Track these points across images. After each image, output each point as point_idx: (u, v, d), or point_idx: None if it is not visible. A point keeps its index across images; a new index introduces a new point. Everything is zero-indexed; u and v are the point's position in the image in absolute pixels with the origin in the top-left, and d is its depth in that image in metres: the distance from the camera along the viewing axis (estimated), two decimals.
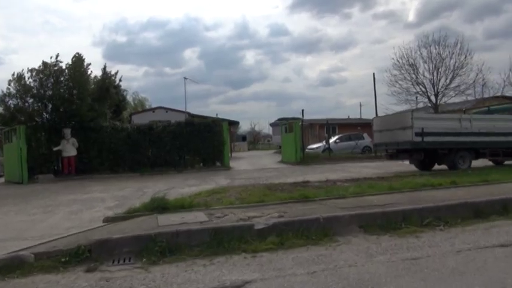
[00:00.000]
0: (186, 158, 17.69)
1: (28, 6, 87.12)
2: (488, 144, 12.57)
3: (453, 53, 23.11)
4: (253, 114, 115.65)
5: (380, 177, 10.89)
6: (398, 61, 24.26)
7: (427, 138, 11.76)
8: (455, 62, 23.31)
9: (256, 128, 70.64)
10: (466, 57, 23.31)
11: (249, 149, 54.74)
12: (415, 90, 24.09)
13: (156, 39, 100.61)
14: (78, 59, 15.72)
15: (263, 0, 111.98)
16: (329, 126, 22.19)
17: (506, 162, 14.03)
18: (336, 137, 25.55)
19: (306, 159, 19.45)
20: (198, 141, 17.47)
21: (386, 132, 13.08)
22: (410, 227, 5.58)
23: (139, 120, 19.51)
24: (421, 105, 24.76)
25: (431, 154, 12.44)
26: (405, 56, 24.42)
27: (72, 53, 17.32)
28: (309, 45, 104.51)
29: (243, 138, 58.89)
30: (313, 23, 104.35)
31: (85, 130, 16.07)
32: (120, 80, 18.65)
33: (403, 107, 24.91)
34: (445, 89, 23.56)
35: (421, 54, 23.94)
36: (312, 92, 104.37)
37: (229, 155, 33.34)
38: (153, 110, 25.84)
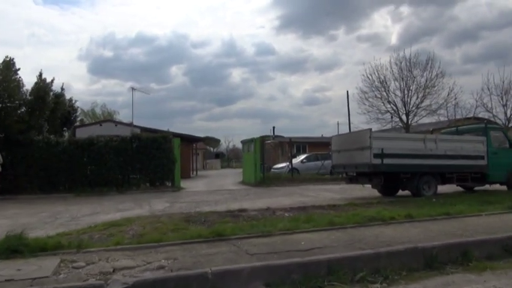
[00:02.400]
0: (132, 177, 15.88)
1: (12, 18, 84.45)
2: (455, 168, 11.28)
3: (425, 70, 22.30)
4: (238, 131, 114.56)
5: (332, 205, 9.44)
6: (368, 78, 23.31)
7: (387, 161, 10.39)
8: (426, 81, 22.49)
9: (230, 146, 69.10)
10: (437, 76, 22.54)
11: (222, 167, 52.99)
12: (385, 109, 23.08)
13: (143, 55, 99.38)
14: (6, 63, 13.92)
15: (250, 20, 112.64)
16: (292, 145, 20.69)
17: (476, 188, 12.83)
18: (303, 156, 24.16)
19: (266, 180, 17.91)
20: (145, 159, 15.73)
21: (345, 153, 11.69)
22: (336, 285, 4.06)
23: (83, 134, 17.61)
24: (389, 126, 23.71)
25: (393, 178, 11.07)
26: (376, 73, 23.52)
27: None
28: (294, 65, 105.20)
29: (216, 155, 57.13)
30: (299, 43, 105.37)
31: (12, 144, 14.14)
32: (62, 89, 16.87)
33: (374, 127, 23.86)
34: (416, 108, 22.62)
35: (392, 71, 23.05)
36: (297, 111, 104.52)
37: (194, 173, 31.87)
38: (100, 123, 23.92)
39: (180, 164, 16.96)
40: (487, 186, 12.86)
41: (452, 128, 13.52)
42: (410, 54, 23.31)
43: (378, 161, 10.31)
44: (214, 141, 68.45)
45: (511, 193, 10.79)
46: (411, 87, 23.04)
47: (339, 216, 7.06)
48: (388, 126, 24.11)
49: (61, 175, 14.90)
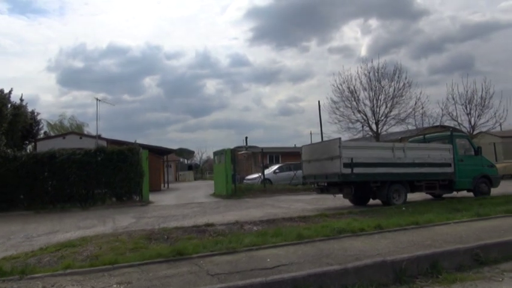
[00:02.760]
0: (97, 192, 15.16)
1: None
2: (423, 175, 11.36)
3: (392, 80, 22.72)
4: (212, 143, 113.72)
5: (303, 216, 9.22)
6: (338, 88, 23.52)
7: (357, 170, 10.32)
8: (394, 91, 22.91)
9: (204, 157, 68.28)
10: (404, 85, 23.01)
11: (195, 179, 52.13)
12: (355, 118, 23.30)
13: (115, 66, 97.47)
14: None
15: (224, 31, 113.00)
16: (265, 155, 20.47)
17: (445, 196, 12.98)
18: (276, 166, 23.97)
19: (238, 192, 17.56)
20: (111, 172, 15.06)
21: (315, 163, 11.56)
22: None
23: (46, 147, 16.75)
24: (360, 135, 23.96)
25: (363, 188, 11.00)
26: (346, 83, 23.76)
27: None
28: (268, 76, 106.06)
29: (189, 167, 56.23)
30: (273, 54, 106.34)
31: None
32: (21, 100, 16.00)
33: (345, 136, 24.05)
34: (385, 117, 22.96)
35: (361, 81, 23.37)
36: (271, 121, 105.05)
37: (165, 185, 31.09)
38: (63, 135, 22.92)
39: (148, 176, 16.38)
40: (454, 193, 13.05)
41: (420, 136, 13.69)
42: (378, 65, 23.77)
43: (347, 171, 10.22)
44: (188, 153, 67.44)
45: (478, 200, 10.89)
46: (380, 97, 23.40)
47: (309, 229, 6.84)
48: (359, 135, 24.35)
49: (19, 191, 14.06)
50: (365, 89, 23.36)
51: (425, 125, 25.94)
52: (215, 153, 20.29)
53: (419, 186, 11.43)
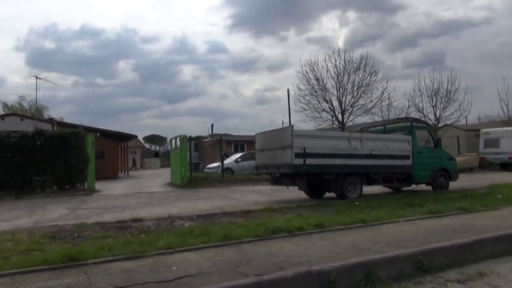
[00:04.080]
0: (35, 179, 13.87)
1: None
2: (380, 168, 10.79)
3: (358, 69, 22.24)
4: (188, 130, 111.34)
5: (247, 211, 8.46)
6: (305, 74, 22.84)
7: (309, 161, 9.60)
8: (361, 80, 22.47)
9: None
10: (370, 74, 22.60)
11: (162, 166, 50.63)
12: (321, 107, 22.75)
13: (89, 48, 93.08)
14: None
15: (203, 17, 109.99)
16: (231, 144, 19.56)
17: (404, 188, 12.52)
18: (238, 155, 23.12)
19: (194, 181, 16.62)
20: (51, 158, 13.78)
21: (268, 152, 10.77)
22: None
23: None
24: (326, 124, 23.46)
25: (317, 180, 10.33)
26: (314, 70, 23.11)
27: None
28: (246, 64, 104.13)
29: (156, 154, 54.54)
30: (251, 43, 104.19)
31: None
32: None
33: (311, 125, 23.49)
34: (351, 106, 22.52)
35: (328, 69, 22.76)
36: (248, 110, 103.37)
37: (125, 173, 29.70)
38: (2, 117, 21.16)
39: (107, 163, 15.16)
40: (413, 187, 12.63)
41: (380, 127, 13.14)
42: (344, 53, 23.22)
43: (299, 161, 9.49)
44: (160, 139, 65.60)
45: (435, 194, 10.45)
46: (347, 86, 22.93)
47: (243, 226, 6.07)
48: (325, 125, 23.86)
49: None
50: (332, 78, 22.83)
51: (392, 116, 25.80)
52: (172, 140, 19.21)
53: (376, 179, 10.87)
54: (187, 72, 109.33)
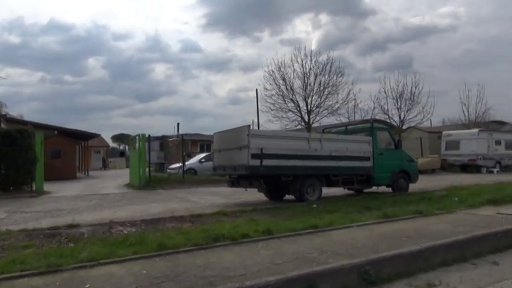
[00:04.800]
0: None
1: None
2: (340, 169, 10.55)
3: (323, 69, 22.16)
4: (160, 129, 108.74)
5: (197, 215, 7.99)
6: (271, 74, 22.54)
7: (267, 162, 9.21)
8: (328, 80, 22.40)
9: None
10: (336, 75, 22.58)
11: (128, 166, 49.12)
12: (287, 108, 22.52)
13: (57, 44, 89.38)
14: None
15: (176, 16, 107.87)
16: (184, 143, 18.92)
17: (366, 190, 12.36)
18: (202, 155, 22.51)
19: (152, 182, 15.93)
20: None
21: (225, 153, 10.31)
22: None
23: None
24: (293, 125, 23.26)
25: (275, 182, 9.96)
26: (280, 70, 22.84)
27: None
28: (220, 64, 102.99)
29: (121, 153, 52.90)
30: (225, 42, 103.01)
31: None
32: None
33: (277, 126, 23.21)
34: (317, 107, 22.41)
35: (294, 69, 22.56)
36: (220, 110, 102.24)
37: (84, 173, 28.42)
38: None
39: (51, 163, 14.22)
40: (375, 188, 12.51)
41: (342, 128, 12.95)
42: (311, 53, 23.10)
43: (256, 162, 9.08)
44: (128, 139, 63.43)
45: (394, 197, 10.31)
46: (313, 87, 22.80)
47: (185, 233, 5.58)
48: (291, 125, 23.66)
49: None
50: (298, 77, 22.64)
51: (358, 118, 25.96)
52: (131, 139, 18.40)
53: (336, 180, 10.62)
54: (160, 70, 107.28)
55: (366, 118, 25.60)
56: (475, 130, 25.12)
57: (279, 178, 9.82)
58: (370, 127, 11.74)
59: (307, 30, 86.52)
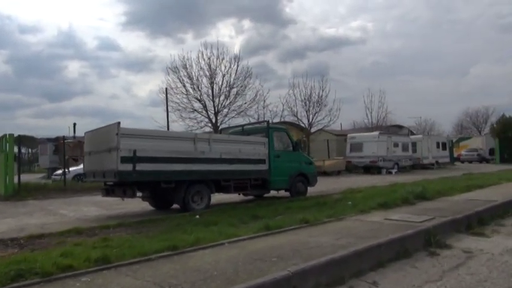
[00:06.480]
0: None
1: None
2: (232, 174, 9.53)
3: (230, 68, 21.31)
4: (72, 132, 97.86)
5: (37, 235, 6.34)
6: (175, 71, 21.02)
7: (141, 166, 7.82)
8: (234, 80, 21.56)
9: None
10: (245, 76, 21.88)
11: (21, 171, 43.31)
12: (192, 107, 21.19)
13: None
14: None
15: (94, 11, 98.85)
16: (64, 146, 16.60)
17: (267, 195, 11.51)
18: None
19: (23, 191, 13.45)
20: None
21: (95, 156, 8.67)
22: None
23: None
24: (198, 127, 22.00)
25: (154, 189, 8.60)
26: (186, 67, 21.42)
27: None
28: (140, 64, 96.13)
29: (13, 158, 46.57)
30: (147, 42, 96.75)
31: None
32: None
33: (182, 127, 21.76)
34: (224, 107, 21.46)
35: (201, 66, 21.34)
36: (141, 112, 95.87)
37: None
38: None
39: None
40: (274, 193, 11.76)
41: (239, 128, 11.99)
42: (217, 51, 22.09)
43: (127, 167, 7.63)
44: (32, 141, 56.21)
45: (288, 203, 9.55)
46: (221, 85, 21.82)
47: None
48: (198, 126, 22.37)
49: None
50: (205, 75, 21.47)
51: (267, 119, 25.60)
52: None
53: (227, 186, 9.57)
54: (74, 68, 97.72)
55: (275, 120, 25.38)
56: (376, 133, 26.27)
57: (159, 185, 8.45)
58: (267, 128, 10.91)
59: (230, 34, 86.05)
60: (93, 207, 10.94)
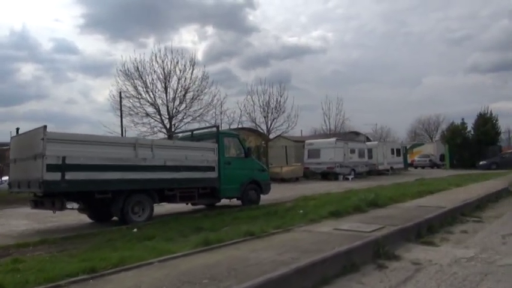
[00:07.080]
0: None
1: None
2: (177, 182, 8.89)
3: (185, 71, 20.63)
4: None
5: None
6: (127, 73, 20.04)
7: (72, 175, 7.04)
8: (189, 84, 20.89)
9: None
10: (201, 80, 21.28)
11: None
12: (144, 112, 20.27)
13: None
14: None
15: (50, 12, 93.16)
16: (4, 153, 15.28)
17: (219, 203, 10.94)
18: None
19: None
20: None
21: (21, 163, 7.76)
22: None
23: None
24: (156, 131, 21.08)
25: (90, 200, 7.81)
26: (138, 69, 20.49)
27: None
28: (99, 68, 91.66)
29: None
30: (106, 46, 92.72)
31: None
32: None
33: (135, 132, 20.75)
34: (178, 112, 20.69)
35: (154, 69, 20.50)
36: (100, 117, 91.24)
37: None
38: None
39: None
40: (226, 201, 11.23)
41: (188, 133, 11.37)
42: (172, 54, 21.36)
43: (55, 176, 6.83)
44: None
45: (237, 212, 9.05)
46: (176, 89, 21.06)
47: None
48: (151, 132, 21.43)
49: None
50: (158, 78, 20.63)
51: (225, 125, 25.07)
52: None
53: (171, 196, 8.91)
54: (27, 71, 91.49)
55: (233, 125, 24.91)
56: (333, 139, 26.43)
57: (93, 196, 7.66)
58: (216, 133, 10.37)
59: (193, 40, 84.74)
60: (24, 221, 9.91)
